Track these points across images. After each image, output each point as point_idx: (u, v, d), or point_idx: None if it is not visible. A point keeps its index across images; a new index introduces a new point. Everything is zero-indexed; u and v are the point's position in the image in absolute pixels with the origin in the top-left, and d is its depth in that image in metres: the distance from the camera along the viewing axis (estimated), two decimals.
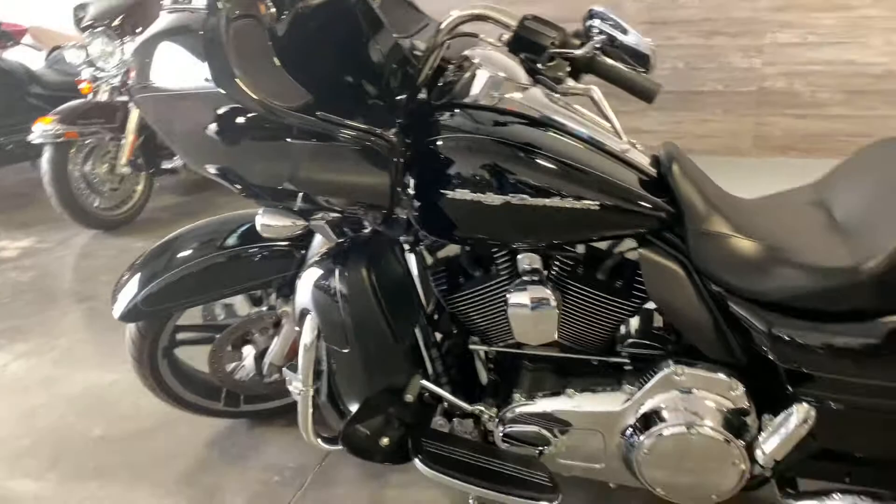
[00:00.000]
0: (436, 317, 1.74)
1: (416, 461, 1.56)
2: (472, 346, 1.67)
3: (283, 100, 1.33)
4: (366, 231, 1.53)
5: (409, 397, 1.61)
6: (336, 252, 1.49)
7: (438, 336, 1.72)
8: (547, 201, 1.37)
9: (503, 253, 1.56)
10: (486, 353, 1.69)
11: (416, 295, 1.63)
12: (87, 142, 4.16)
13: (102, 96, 4.35)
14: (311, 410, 1.60)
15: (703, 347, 1.47)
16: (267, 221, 1.47)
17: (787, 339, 1.36)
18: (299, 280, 1.58)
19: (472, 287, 1.59)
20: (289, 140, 1.37)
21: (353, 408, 1.57)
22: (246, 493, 1.87)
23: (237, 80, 1.30)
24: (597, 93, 1.42)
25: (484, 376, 1.74)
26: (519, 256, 1.53)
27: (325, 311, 1.44)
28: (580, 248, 1.54)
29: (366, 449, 1.60)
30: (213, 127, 1.36)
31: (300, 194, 1.43)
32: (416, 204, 1.43)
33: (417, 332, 1.66)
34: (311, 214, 1.49)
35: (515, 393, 1.62)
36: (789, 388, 1.41)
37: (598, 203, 1.37)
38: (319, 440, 1.66)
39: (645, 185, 1.43)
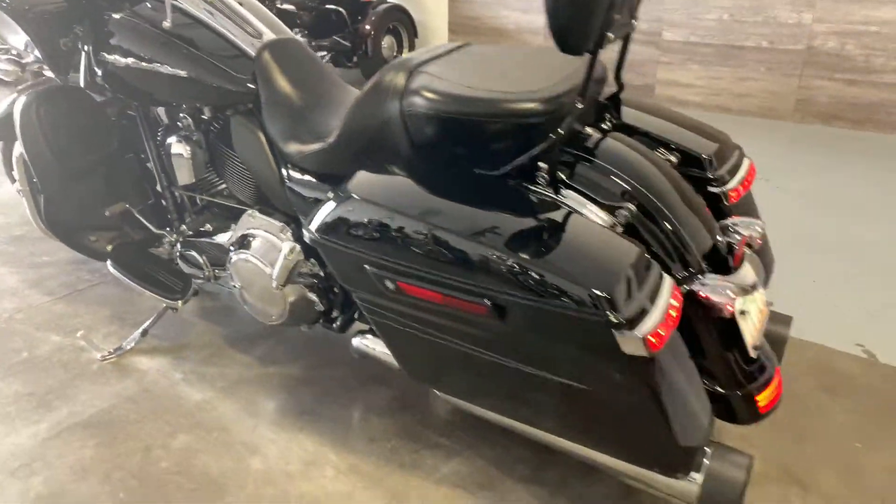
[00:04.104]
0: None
1: (109, 262, 2.12)
2: (173, 189, 2.17)
3: None
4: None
5: (106, 213, 2.16)
6: (32, 90, 2.03)
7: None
8: (146, 66, 1.82)
9: (174, 112, 2.01)
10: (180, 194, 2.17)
11: (95, 138, 2.05)
12: None
13: None
14: (33, 205, 2.21)
15: (273, 200, 1.83)
16: (0, 66, 2.08)
17: (296, 191, 1.70)
18: None
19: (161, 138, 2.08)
20: None
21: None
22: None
23: None
24: None
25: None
26: (181, 114, 1.99)
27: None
28: (207, 111, 1.95)
29: (86, 247, 2.20)
30: None
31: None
32: (93, 62, 1.96)
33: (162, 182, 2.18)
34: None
35: (183, 225, 2.11)
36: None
37: (185, 72, 1.79)
38: (54, 234, 2.26)
39: (244, 67, 1.81)
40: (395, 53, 5.70)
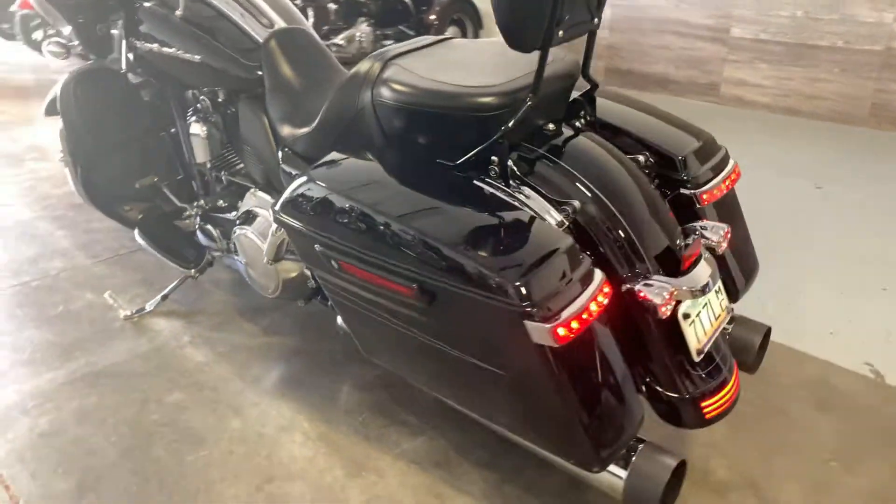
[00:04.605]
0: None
1: (136, 231, 2.31)
2: (194, 166, 2.32)
3: None
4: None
5: (136, 185, 2.34)
6: (72, 70, 2.25)
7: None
8: (167, 51, 1.97)
9: (197, 95, 2.17)
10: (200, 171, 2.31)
11: (128, 116, 2.25)
12: None
13: None
14: (73, 175, 2.41)
15: (273, 180, 1.94)
16: (49, 49, 2.29)
17: (288, 171, 1.79)
18: None
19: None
20: None
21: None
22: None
23: None
24: None
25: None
26: (200, 97, 2.14)
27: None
28: (222, 95, 2.08)
29: (119, 215, 2.40)
30: None
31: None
32: (124, 45, 2.13)
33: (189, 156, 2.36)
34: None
35: (202, 200, 2.26)
36: None
37: (199, 57, 1.92)
38: (90, 202, 2.47)
39: (254, 54, 1.92)
40: None
